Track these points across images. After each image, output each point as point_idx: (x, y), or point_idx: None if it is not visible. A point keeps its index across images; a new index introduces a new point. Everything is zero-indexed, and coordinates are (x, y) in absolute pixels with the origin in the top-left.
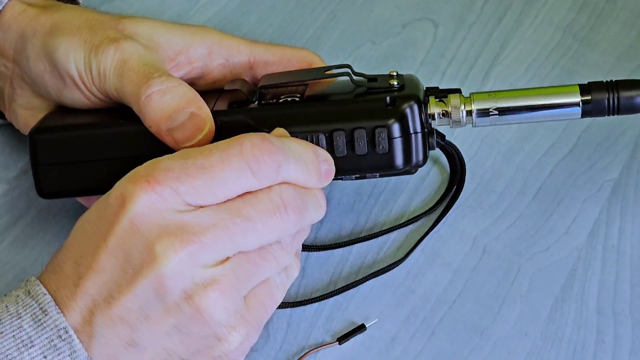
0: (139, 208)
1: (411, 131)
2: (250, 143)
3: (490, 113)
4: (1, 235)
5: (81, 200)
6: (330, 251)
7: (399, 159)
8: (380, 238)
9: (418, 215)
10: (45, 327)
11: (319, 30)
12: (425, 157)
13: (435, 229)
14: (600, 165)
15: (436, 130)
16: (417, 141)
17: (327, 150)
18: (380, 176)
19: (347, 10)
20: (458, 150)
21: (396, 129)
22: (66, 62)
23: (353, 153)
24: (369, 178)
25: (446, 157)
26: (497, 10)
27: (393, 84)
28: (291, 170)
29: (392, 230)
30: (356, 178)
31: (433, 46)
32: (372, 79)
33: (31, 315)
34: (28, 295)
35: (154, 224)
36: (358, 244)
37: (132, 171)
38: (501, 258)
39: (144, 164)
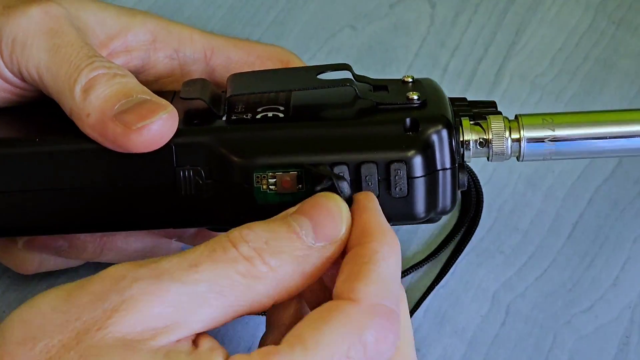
0: None
1: (438, 167)
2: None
3: (545, 144)
4: None
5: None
6: None
7: (419, 206)
8: None
9: (416, 264)
10: None
11: (283, 12)
12: (454, 202)
13: (442, 282)
14: None
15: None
16: (446, 180)
17: (325, 189)
18: (393, 224)
19: None
20: (475, 175)
21: (418, 164)
22: None
23: None
24: None
25: None
26: None
27: (412, 99)
28: None
29: None
30: None
31: (430, 32)
32: (379, 86)
33: None
34: None
35: None
36: None
37: None
38: (530, 322)
39: None
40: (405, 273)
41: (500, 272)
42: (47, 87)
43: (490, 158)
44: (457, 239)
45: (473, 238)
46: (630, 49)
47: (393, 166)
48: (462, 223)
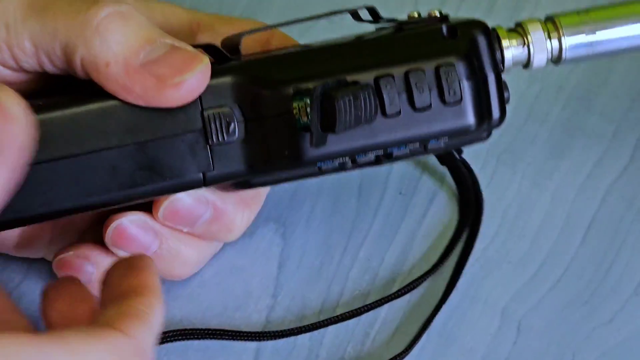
0: None
1: (486, 70)
2: None
3: (587, 39)
4: None
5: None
6: (292, 340)
7: (473, 114)
8: (365, 316)
9: (417, 280)
10: None
11: None
12: (504, 112)
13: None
14: None
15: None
16: (494, 86)
17: (373, 106)
18: (445, 149)
19: None
20: (472, 171)
21: (467, 67)
22: None
23: (411, 108)
24: (429, 153)
25: (455, 182)
26: None
27: (435, 15)
28: None
29: (381, 304)
30: (411, 153)
31: None
32: (393, 19)
33: None
34: None
35: None
36: (333, 326)
37: None
38: (545, 339)
39: None
40: (406, 290)
41: (509, 284)
42: (49, 53)
43: (530, 63)
44: (457, 249)
45: (476, 247)
46: None
47: (442, 70)
48: (462, 230)
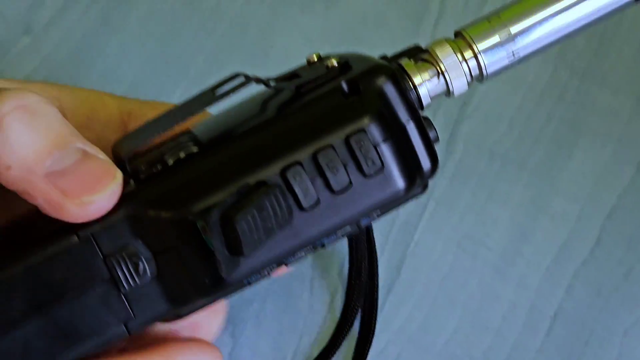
0: None
1: (402, 121)
2: None
3: (505, 45)
4: None
5: None
6: None
7: (401, 176)
8: None
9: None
10: None
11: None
12: (435, 158)
13: None
14: None
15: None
16: (414, 135)
17: (285, 206)
18: (380, 216)
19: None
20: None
21: (380, 127)
22: None
23: (330, 193)
24: (364, 225)
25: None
26: None
27: (333, 66)
28: None
29: None
30: (343, 236)
31: None
32: (288, 76)
33: None
34: None
35: None
36: None
37: None
38: None
39: None
40: None
41: None
42: None
43: (450, 92)
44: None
45: (437, 342)
46: (599, 103)
47: (353, 140)
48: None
